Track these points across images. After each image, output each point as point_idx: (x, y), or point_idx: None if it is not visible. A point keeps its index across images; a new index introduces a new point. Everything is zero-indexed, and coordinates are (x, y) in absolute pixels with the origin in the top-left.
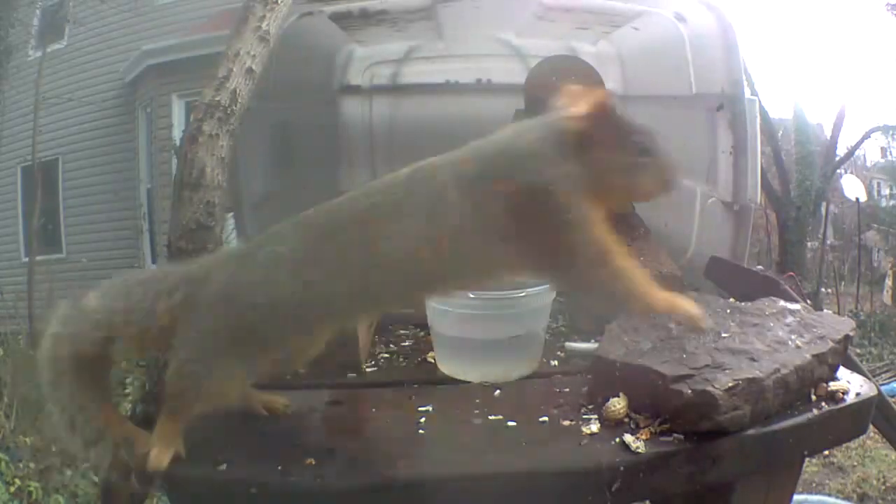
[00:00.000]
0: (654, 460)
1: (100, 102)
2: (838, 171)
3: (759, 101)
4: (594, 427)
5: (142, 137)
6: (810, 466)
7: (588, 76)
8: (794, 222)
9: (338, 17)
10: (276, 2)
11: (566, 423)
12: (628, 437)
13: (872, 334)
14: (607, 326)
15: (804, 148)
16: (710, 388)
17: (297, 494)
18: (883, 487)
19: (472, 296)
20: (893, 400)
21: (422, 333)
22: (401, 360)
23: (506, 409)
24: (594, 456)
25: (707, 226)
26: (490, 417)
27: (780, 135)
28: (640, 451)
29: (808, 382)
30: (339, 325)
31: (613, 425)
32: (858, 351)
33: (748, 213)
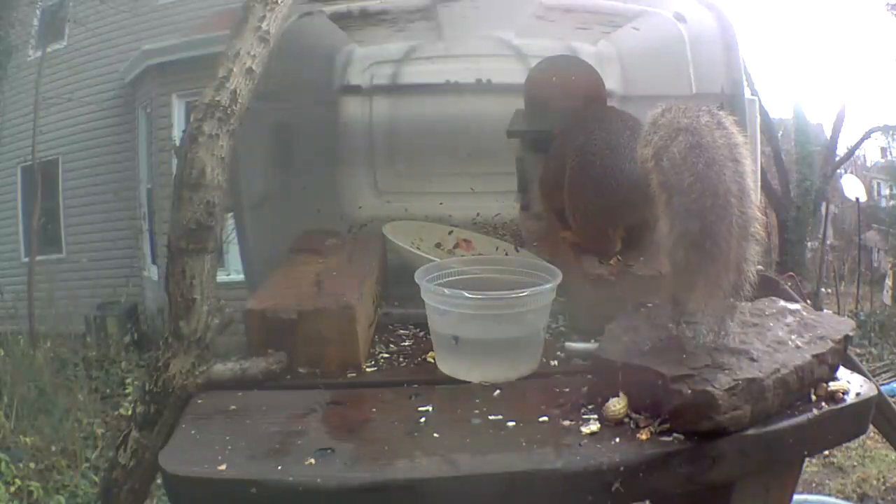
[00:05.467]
0: (654, 460)
1: (100, 102)
2: (838, 171)
3: (759, 101)
4: (594, 427)
5: (142, 137)
6: (810, 466)
7: (588, 76)
8: (794, 222)
9: (338, 17)
10: (276, 2)
11: (566, 423)
12: (628, 438)
13: (872, 334)
14: (607, 326)
15: (804, 148)
16: (710, 388)
17: (297, 494)
18: (883, 487)
19: (469, 295)
20: (893, 400)
21: (422, 333)
22: (401, 360)
23: (506, 409)
24: (594, 456)
25: None
26: (490, 417)
27: (780, 135)
28: (640, 451)
29: (808, 382)
30: None
31: (613, 425)
32: (858, 351)
33: None
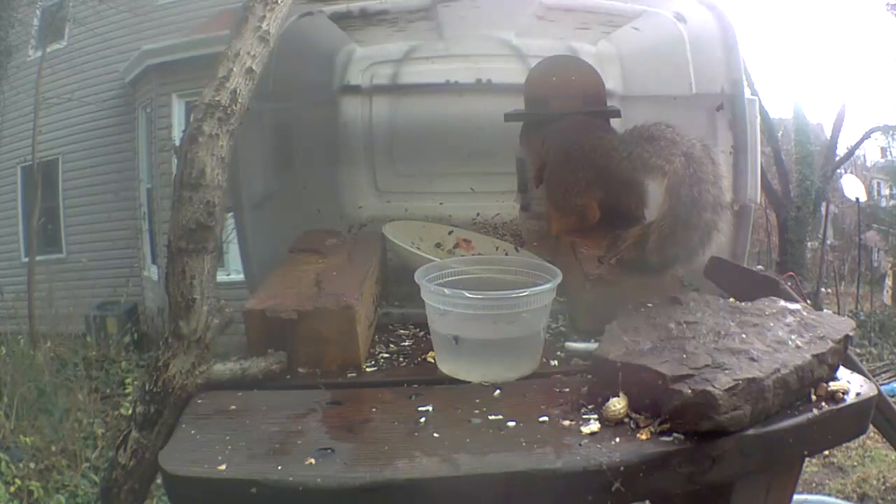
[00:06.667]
0: (654, 460)
1: (100, 102)
2: (838, 171)
3: (759, 101)
4: (594, 427)
5: (142, 137)
6: (810, 466)
7: (588, 76)
8: (794, 222)
9: (338, 17)
10: (276, 2)
11: (566, 423)
12: (628, 438)
13: (872, 334)
14: (607, 326)
15: (804, 148)
16: (710, 388)
17: (297, 494)
18: (883, 487)
19: (470, 295)
20: (893, 400)
21: (422, 333)
22: (401, 360)
23: (506, 409)
24: (594, 456)
25: None
26: (490, 417)
27: (780, 135)
28: (640, 450)
29: (808, 382)
30: None
31: (613, 425)
32: (858, 351)
33: (748, 212)
